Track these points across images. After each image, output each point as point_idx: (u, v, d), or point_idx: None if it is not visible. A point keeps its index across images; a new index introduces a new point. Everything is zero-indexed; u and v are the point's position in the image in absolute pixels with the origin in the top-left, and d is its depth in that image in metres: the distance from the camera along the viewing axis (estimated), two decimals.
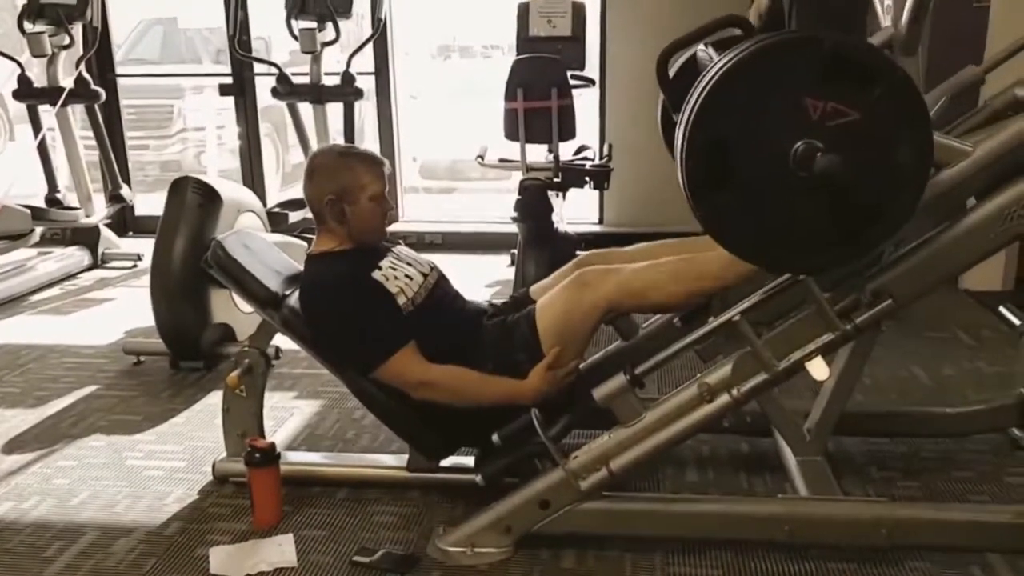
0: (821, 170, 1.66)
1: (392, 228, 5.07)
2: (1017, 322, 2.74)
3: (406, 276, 2.30)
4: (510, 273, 4.33)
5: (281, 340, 2.65)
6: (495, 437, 2.15)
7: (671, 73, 2.21)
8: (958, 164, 1.93)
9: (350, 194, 2.26)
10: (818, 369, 2.01)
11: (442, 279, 2.44)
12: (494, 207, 5.51)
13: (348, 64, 4.57)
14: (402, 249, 2.45)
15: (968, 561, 2.06)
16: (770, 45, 1.74)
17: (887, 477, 2.47)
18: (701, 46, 2.29)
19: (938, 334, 3.56)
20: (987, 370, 3.20)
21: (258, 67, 5.31)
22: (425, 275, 2.37)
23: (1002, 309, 2.92)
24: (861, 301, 1.97)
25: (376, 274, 2.25)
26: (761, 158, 1.73)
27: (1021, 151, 1.92)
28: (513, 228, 3.86)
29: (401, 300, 2.23)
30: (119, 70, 5.71)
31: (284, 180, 6.53)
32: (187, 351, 3.32)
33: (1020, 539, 2.03)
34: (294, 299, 2.36)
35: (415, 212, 5.78)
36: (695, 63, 2.31)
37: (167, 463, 2.66)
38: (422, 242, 5.20)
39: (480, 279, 4.49)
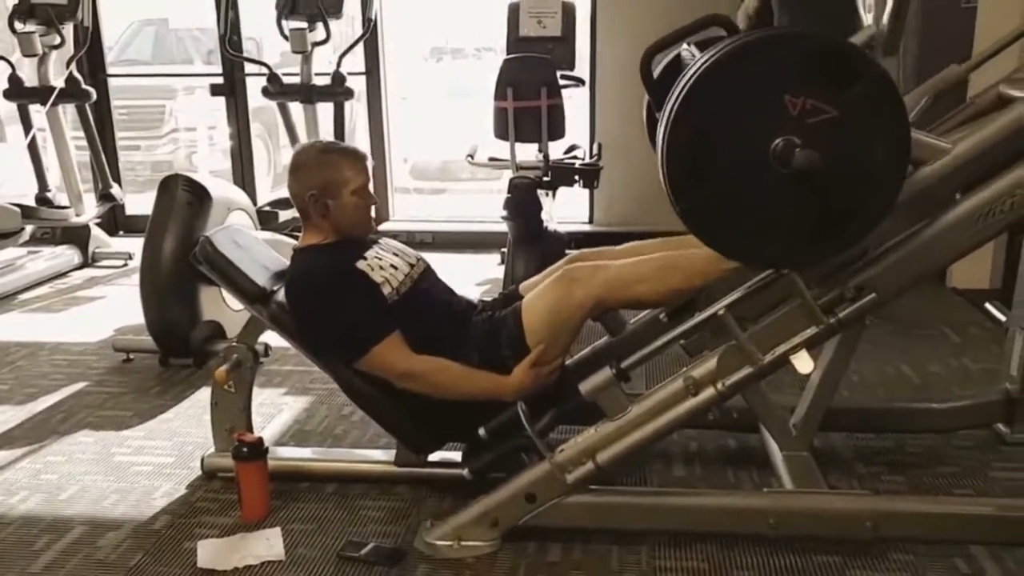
0: (799, 166, 1.69)
1: (383, 227, 5.10)
2: (1002, 318, 2.77)
3: (391, 266, 2.31)
4: (500, 272, 4.34)
5: (271, 337, 2.66)
6: (482, 431, 2.17)
7: (655, 73, 2.23)
8: (937, 161, 1.95)
9: (333, 189, 2.27)
10: (803, 363, 2.02)
11: (428, 271, 2.45)
12: (484, 207, 5.52)
13: (338, 64, 4.58)
14: (388, 241, 2.46)
15: (951, 553, 2.07)
16: (751, 42, 1.77)
17: (873, 472, 2.48)
18: (684, 45, 2.31)
19: (925, 332, 3.58)
20: (973, 367, 3.22)
21: (249, 67, 5.31)
22: (412, 265, 2.38)
23: (988, 306, 2.96)
24: (845, 295, 1.98)
25: (361, 264, 2.26)
26: (741, 154, 1.75)
27: (1000, 148, 1.94)
28: (503, 227, 3.87)
29: (386, 290, 2.24)
30: (111, 70, 5.71)
31: (275, 180, 6.53)
32: (176, 348, 3.32)
33: (1003, 532, 2.05)
34: (282, 294, 2.36)
35: (406, 212, 5.78)
36: (679, 63, 2.33)
37: (155, 458, 2.67)
38: (413, 241, 5.19)
39: (470, 278, 4.50)
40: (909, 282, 2.00)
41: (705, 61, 1.76)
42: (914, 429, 2.68)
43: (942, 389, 3.05)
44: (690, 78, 1.75)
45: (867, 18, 2.62)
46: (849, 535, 2.07)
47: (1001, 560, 2.04)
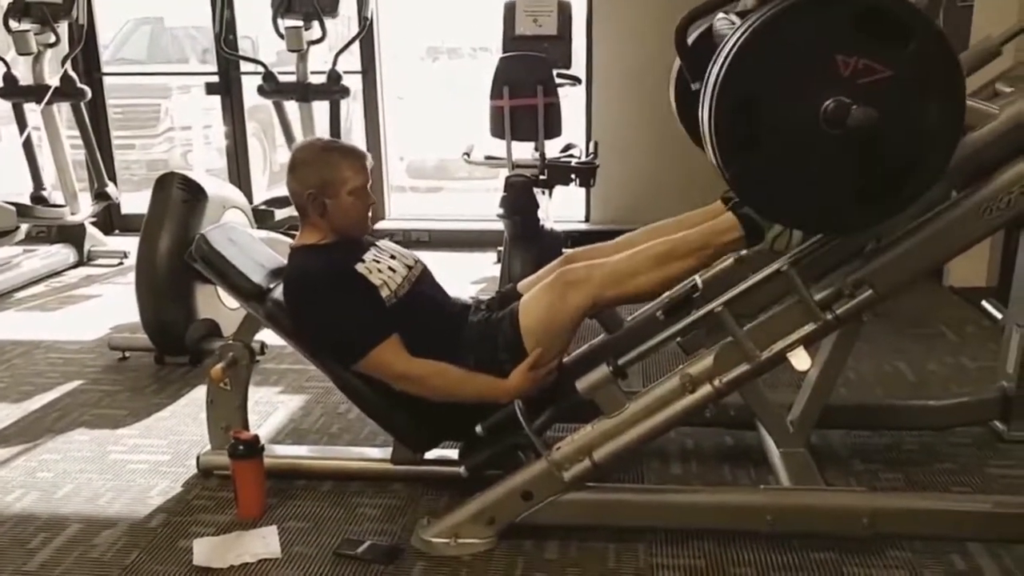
0: (856, 124, 1.64)
1: (379, 226, 5.09)
2: (999, 316, 2.77)
3: (389, 268, 2.30)
4: (497, 270, 4.33)
5: (267, 335, 2.65)
6: (479, 429, 2.16)
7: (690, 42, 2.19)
8: (985, 127, 1.91)
9: (331, 188, 2.26)
10: (800, 360, 2.02)
11: (426, 273, 2.45)
12: (481, 206, 5.51)
13: (334, 62, 4.58)
14: (386, 243, 2.46)
15: (949, 550, 2.07)
16: (800, 1, 1.70)
17: (870, 469, 2.48)
18: (721, 15, 2.28)
19: (922, 330, 3.58)
20: (970, 365, 3.23)
21: (245, 66, 5.30)
22: (409, 267, 2.37)
23: (985, 304, 2.96)
24: (842, 292, 1.98)
25: (359, 266, 2.25)
26: (791, 117, 1.71)
27: None
28: (500, 226, 3.87)
29: (384, 292, 2.23)
30: (106, 69, 5.70)
31: (271, 179, 6.52)
32: (172, 346, 3.31)
33: (1000, 528, 2.05)
34: (278, 292, 2.36)
35: (402, 211, 5.78)
36: (710, 35, 2.30)
37: (151, 456, 2.66)
38: (409, 239, 5.20)
39: (467, 276, 4.50)
40: (907, 279, 2.00)
41: (752, 24, 1.71)
42: (911, 426, 2.68)
43: (939, 387, 3.06)
44: (736, 41, 1.71)
45: None
46: (846, 532, 2.07)
47: (998, 557, 2.04)
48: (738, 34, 1.73)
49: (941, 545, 2.09)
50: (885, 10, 1.68)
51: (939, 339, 3.50)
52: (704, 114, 1.79)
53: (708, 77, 1.78)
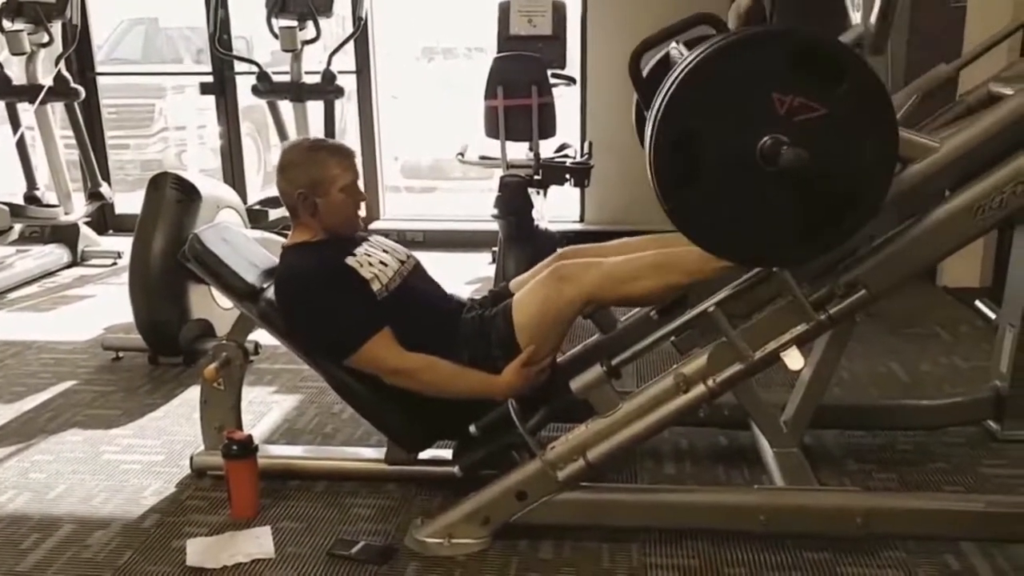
0: (787, 164, 1.67)
1: (373, 226, 5.09)
2: (993, 316, 2.77)
3: (380, 263, 2.30)
4: (491, 271, 4.34)
5: (261, 335, 2.64)
6: (473, 428, 2.16)
7: (645, 72, 2.23)
8: (925, 159, 1.94)
9: (321, 187, 2.26)
10: (793, 359, 2.02)
11: (418, 268, 2.45)
12: (476, 206, 5.51)
13: (329, 62, 4.57)
14: (378, 238, 2.46)
15: (942, 550, 2.08)
16: (738, 40, 1.77)
17: (864, 469, 2.48)
18: (673, 44, 2.30)
19: (916, 330, 3.59)
20: (963, 365, 3.24)
21: (239, 66, 5.29)
22: (401, 262, 2.37)
23: (978, 304, 2.96)
24: (835, 292, 1.98)
25: (350, 260, 2.25)
26: (729, 153, 1.74)
27: (988, 146, 1.94)
28: (494, 226, 3.87)
29: (375, 286, 2.23)
30: (100, 69, 5.69)
31: (265, 179, 6.51)
32: (166, 347, 3.30)
33: (993, 528, 2.05)
34: (272, 292, 2.35)
35: (396, 211, 5.77)
36: (668, 61, 2.33)
37: (145, 457, 2.65)
38: (403, 240, 5.12)
39: (461, 276, 4.49)
40: (899, 278, 2.00)
41: (692, 59, 1.75)
42: (905, 426, 2.69)
43: (933, 386, 3.06)
44: (677, 77, 1.75)
45: (855, 17, 2.63)
46: (840, 532, 2.07)
47: (991, 557, 2.05)
48: (679, 68, 1.76)
49: (935, 545, 2.09)
50: (820, 50, 1.71)
51: (933, 339, 3.51)
52: (646, 145, 1.82)
53: (651, 109, 1.80)
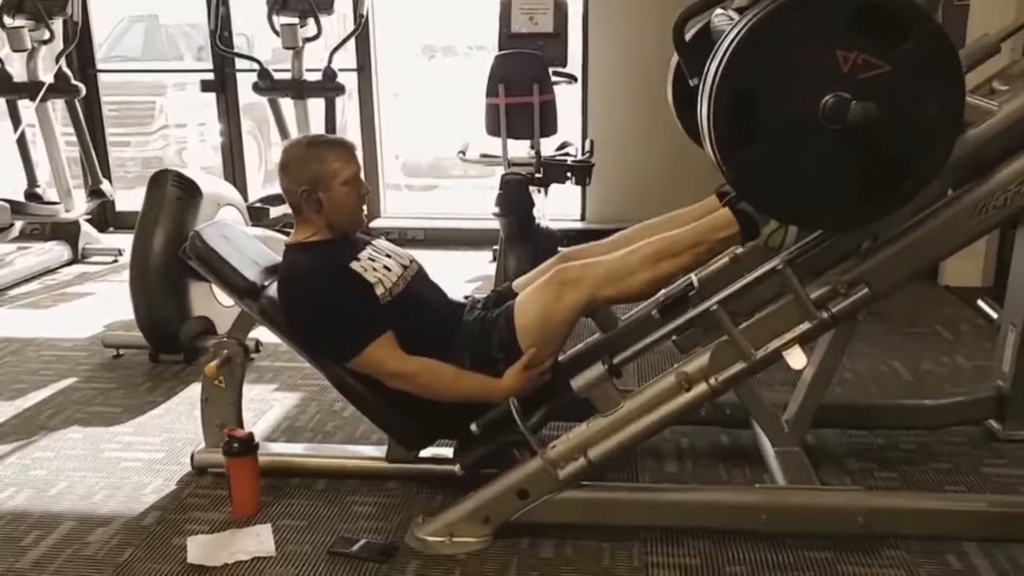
0: (855, 119, 1.64)
1: (374, 224, 5.09)
2: (995, 316, 2.77)
3: (384, 267, 2.29)
4: (492, 269, 4.32)
5: (262, 333, 2.64)
6: (474, 427, 2.16)
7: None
8: (984, 123, 1.90)
9: (323, 181, 2.25)
10: (796, 358, 2.01)
11: (421, 272, 2.44)
12: (477, 204, 5.51)
13: (330, 60, 4.57)
14: (382, 242, 2.45)
15: (944, 550, 2.07)
16: None
17: (865, 468, 2.48)
18: (719, 10, 2.28)
19: (917, 329, 3.59)
20: (965, 364, 3.23)
21: (240, 63, 5.28)
22: (404, 267, 2.37)
23: (980, 303, 2.96)
24: (838, 291, 1.98)
25: (354, 264, 2.25)
26: (790, 113, 1.72)
27: None
28: (495, 224, 3.86)
29: (379, 290, 2.22)
30: (101, 66, 5.69)
31: (266, 177, 6.51)
32: (167, 344, 3.30)
33: (995, 527, 2.05)
34: (273, 289, 2.35)
35: (397, 208, 5.76)
36: (708, 32, 2.30)
37: (145, 454, 2.65)
38: (404, 238, 5.19)
39: (462, 275, 4.49)
40: (902, 277, 2.00)
41: (751, 19, 1.71)
42: (906, 426, 2.68)
43: (935, 386, 3.06)
44: (736, 36, 1.71)
45: None
46: (841, 531, 2.07)
47: (993, 556, 2.04)
48: (736, 29, 1.73)
49: (936, 544, 2.09)
50: (883, 5, 1.68)
51: (934, 338, 3.50)
52: (702, 110, 1.79)
53: (706, 73, 1.78)
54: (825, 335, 2.17)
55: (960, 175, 1.95)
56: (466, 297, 2.52)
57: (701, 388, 2.03)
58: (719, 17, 2.25)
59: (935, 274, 4.17)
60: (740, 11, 2.00)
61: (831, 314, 1.96)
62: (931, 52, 1.68)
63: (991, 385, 2.68)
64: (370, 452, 2.53)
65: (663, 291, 2.37)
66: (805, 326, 1.98)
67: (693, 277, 2.31)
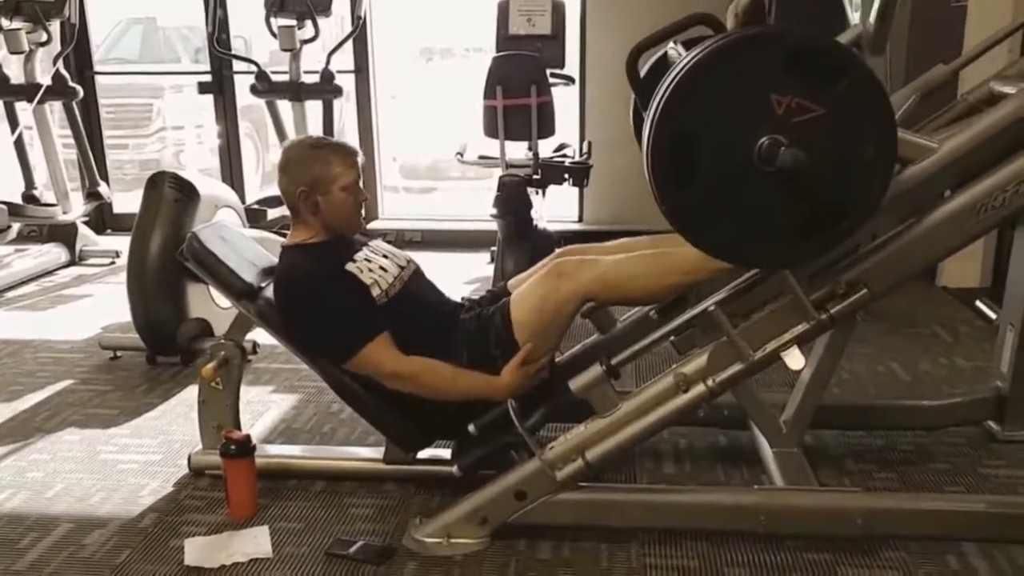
0: (785, 165, 1.68)
1: (372, 226, 5.08)
2: (993, 316, 2.77)
3: (380, 268, 2.29)
4: (490, 271, 4.32)
5: (259, 334, 2.64)
6: (471, 428, 2.15)
7: (642, 72, 2.22)
8: (925, 160, 1.93)
9: (322, 185, 2.24)
10: (794, 359, 2.01)
11: (418, 273, 2.44)
12: (475, 205, 5.51)
13: (327, 62, 4.57)
14: (378, 243, 2.45)
15: (943, 551, 2.07)
16: (736, 40, 1.78)
17: (864, 469, 2.48)
18: (672, 44, 2.30)
19: (916, 330, 3.59)
20: (964, 365, 3.23)
21: (237, 65, 5.28)
22: (401, 267, 2.36)
23: (979, 304, 2.96)
24: (836, 291, 1.98)
25: (350, 266, 2.24)
26: (726, 154, 1.75)
27: (988, 146, 1.93)
28: (493, 226, 3.86)
29: (375, 291, 2.22)
30: (99, 68, 5.69)
31: (264, 179, 6.51)
32: (164, 346, 3.29)
33: (995, 528, 2.05)
34: (270, 291, 2.34)
35: (395, 211, 5.76)
36: (666, 62, 2.32)
37: (142, 456, 2.64)
38: (402, 239, 5.19)
39: (460, 276, 4.48)
40: (901, 277, 2.00)
41: (689, 60, 1.75)
42: (905, 426, 2.68)
43: (933, 387, 3.06)
44: (674, 78, 1.75)
45: (854, 17, 2.62)
46: (840, 532, 2.07)
47: (992, 557, 2.04)
48: (677, 69, 1.75)
49: (935, 545, 2.08)
50: (817, 50, 1.71)
51: (933, 339, 3.50)
52: (644, 146, 1.81)
53: (649, 110, 1.80)
54: (823, 336, 2.17)
55: (902, 213, 1.97)
56: (463, 299, 2.51)
57: (699, 389, 2.02)
58: (672, 50, 2.27)
59: (933, 275, 4.17)
60: (687, 46, 2.02)
61: (829, 315, 1.96)
62: (863, 94, 1.71)
63: (990, 386, 2.68)
64: (367, 454, 2.52)
65: None
66: (803, 327, 1.97)
67: None
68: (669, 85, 1.75)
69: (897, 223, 1.99)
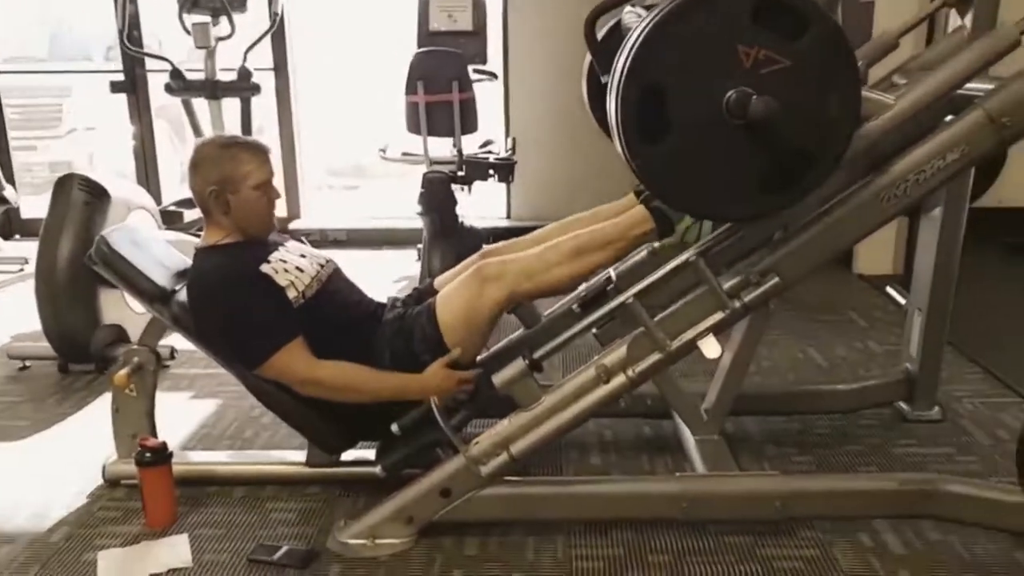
0: (756, 114, 1.68)
1: (294, 225, 5.00)
2: (902, 301, 2.86)
3: (297, 268, 2.24)
4: (417, 268, 4.29)
5: (177, 339, 2.57)
6: (395, 427, 2.13)
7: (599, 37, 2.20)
8: (881, 116, 1.95)
9: (233, 183, 2.19)
10: (710, 348, 2.04)
11: (337, 273, 2.40)
12: (400, 203, 5.46)
13: (244, 59, 4.47)
14: (294, 243, 2.40)
15: (856, 528, 2.14)
16: None
17: (783, 453, 2.54)
18: (628, 7, 2.29)
19: (832, 317, 3.69)
20: (877, 349, 3.33)
21: (151, 63, 5.14)
22: (320, 267, 2.32)
23: (889, 290, 3.05)
24: (750, 280, 2.01)
25: (265, 267, 2.19)
26: (695, 107, 1.74)
27: (941, 103, 1.95)
28: (419, 223, 3.84)
29: (291, 293, 2.17)
30: (2, 68, 5.47)
31: (181, 180, 6.32)
32: (76, 354, 3.18)
33: (904, 505, 2.11)
34: (184, 294, 2.28)
35: (318, 210, 5.68)
36: (619, 29, 2.32)
37: (54, 469, 2.55)
38: (326, 239, 5.11)
39: (387, 275, 4.45)
40: (811, 266, 2.04)
41: (656, 15, 1.73)
42: (822, 410, 2.76)
43: (848, 371, 3.15)
44: (641, 32, 1.73)
45: None
46: (760, 515, 2.11)
47: (901, 532, 2.12)
48: (642, 26, 1.75)
49: (850, 523, 2.15)
50: (783, 2, 1.72)
51: (848, 325, 3.61)
52: (611, 106, 1.81)
53: (615, 69, 1.80)
54: (740, 325, 2.22)
55: (861, 167, 2.00)
56: (388, 298, 2.49)
57: (620, 380, 2.04)
58: (629, 14, 2.27)
59: (849, 262, 4.30)
60: (649, 8, 2.02)
61: (743, 303, 2.00)
62: (827, 48, 1.73)
63: (900, 368, 2.77)
64: (290, 457, 2.48)
65: (584, 286, 2.39)
66: (718, 316, 2.01)
67: (612, 271, 2.33)
68: (637, 39, 1.73)
69: (853, 180, 2.01)
